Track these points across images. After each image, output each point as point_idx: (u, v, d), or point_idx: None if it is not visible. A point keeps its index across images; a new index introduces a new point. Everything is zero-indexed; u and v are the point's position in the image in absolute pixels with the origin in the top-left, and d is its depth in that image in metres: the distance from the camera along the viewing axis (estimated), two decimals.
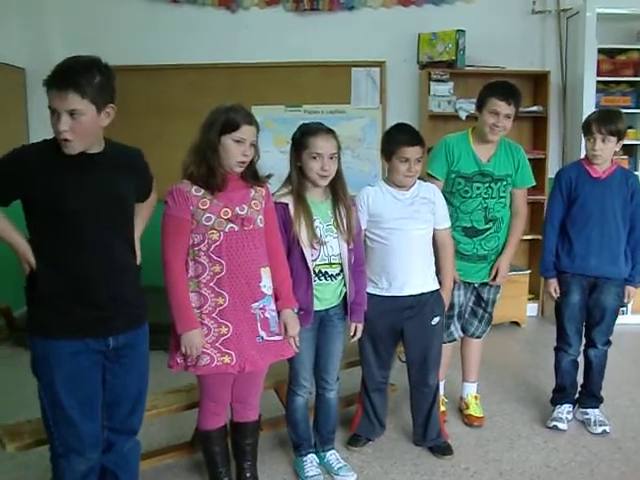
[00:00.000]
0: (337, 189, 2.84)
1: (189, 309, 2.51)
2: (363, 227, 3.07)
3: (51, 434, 2.27)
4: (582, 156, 3.53)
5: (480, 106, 3.30)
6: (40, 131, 5.30)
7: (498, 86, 3.31)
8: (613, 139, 3.27)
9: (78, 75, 2.04)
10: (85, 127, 2.08)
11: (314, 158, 2.73)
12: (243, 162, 2.50)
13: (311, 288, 2.78)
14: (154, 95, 5.50)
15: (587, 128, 3.32)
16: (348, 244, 2.85)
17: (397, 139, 3.03)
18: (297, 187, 2.78)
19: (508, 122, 3.27)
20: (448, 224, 3.22)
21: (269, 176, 2.67)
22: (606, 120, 3.28)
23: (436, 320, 3.15)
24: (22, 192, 2.12)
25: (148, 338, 2.42)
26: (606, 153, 3.30)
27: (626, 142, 5.19)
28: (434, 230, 3.15)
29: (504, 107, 3.22)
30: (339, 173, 2.82)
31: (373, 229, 3.08)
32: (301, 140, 2.77)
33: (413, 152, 2.98)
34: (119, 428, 2.39)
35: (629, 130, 5.27)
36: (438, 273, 3.20)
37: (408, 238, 3.05)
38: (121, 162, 2.28)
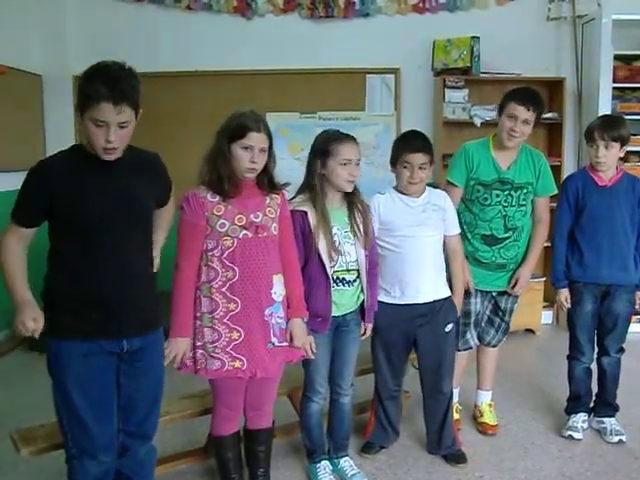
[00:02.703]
0: (351, 194, 2.86)
1: (186, 316, 2.54)
2: (375, 235, 3.07)
3: (65, 436, 2.28)
4: None
5: (500, 110, 3.29)
6: (57, 138, 5.37)
7: (519, 91, 3.29)
8: (616, 145, 3.25)
9: (129, 87, 2.07)
10: (128, 135, 2.14)
11: (343, 165, 2.76)
12: (252, 169, 2.51)
13: (329, 295, 2.79)
14: (169, 102, 5.53)
15: (590, 135, 3.30)
16: (365, 249, 2.85)
17: (401, 145, 3.06)
18: (318, 195, 2.79)
19: (526, 128, 3.23)
20: (458, 231, 3.21)
21: (286, 184, 2.68)
22: (608, 126, 3.26)
23: (449, 327, 3.14)
24: (47, 206, 2.13)
25: (163, 342, 2.44)
26: (610, 160, 3.28)
27: None
28: (444, 237, 3.14)
29: (522, 112, 3.19)
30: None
31: (385, 237, 3.07)
32: (327, 147, 2.78)
33: (415, 158, 2.98)
34: (134, 432, 2.39)
35: None
36: (449, 279, 3.19)
37: (420, 245, 3.04)
38: (139, 166, 2.30)
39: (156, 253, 2.46)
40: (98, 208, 2.15)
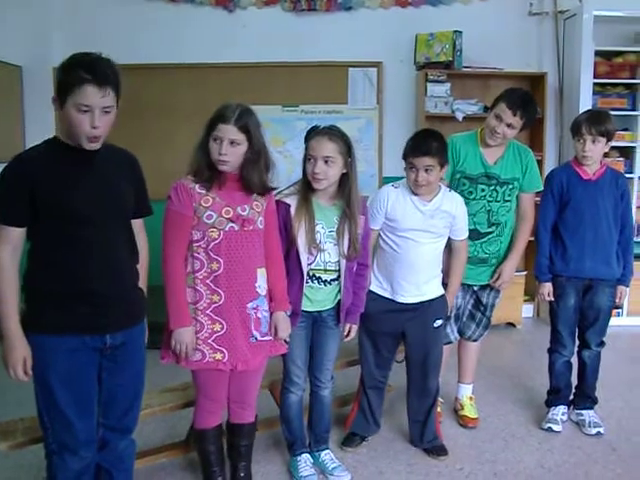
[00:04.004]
0: (345, 198, 2.79)
1: (184, 306, 2.52)
2: (377, 227, 3.06)
3: (45, 431, 2.26)
4: None
5: (491, 106, 3.29)
6: (36, 130, 5.31)
7: (513, 93, 3.25)
8: (603, 140, 3.27)
9: (113, 72, 2.08)
10: (111, 123, 2.13)
11: (309, 160, 2.74)
12: (221, 161, 2.47)
13: (302, 290, 2.78)
14: (150, 94, 5.49)
15: (577, 129, 3.31)
16: (345, 259, 2.81)
17: (408, 146, 3.01)
18: (303, 189, 2.78)
19: (509, 131, 3.22)
20: (465, 235, 3.19)
21: (272, 189, 2.66)
22: (596, 121, 3.27)
23: (438, 322, 3.14)
24: (31, 201, 2.09)
25: (145, 337, 2.43)
26: (596, 154, 3.30)
27: (622, 144, 5.26)
28: (451, 239, 3.13)
29: (508, 115, 3.17)
30: (349, 180, 2.77)
31: (388, 232, 3.06)
32: (305, 142, 2.78)
33: (418, 162, 2.92)
34: (114, 426, 2.38)
35: (625, 132, 5.31)
36: (446, 276, 3.19)
37: (420, 250, 3.03)
38: (118, 161, 2.30)
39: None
40: (81, 200, 2.13)
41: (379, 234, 3.09)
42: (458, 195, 3.17)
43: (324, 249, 2.78)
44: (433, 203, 3.03)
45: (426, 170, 2.92)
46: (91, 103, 2.04)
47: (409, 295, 3.08)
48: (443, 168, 2.99)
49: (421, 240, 3.02)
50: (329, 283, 2.84)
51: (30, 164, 2.11)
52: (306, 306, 2.82)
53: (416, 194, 3.02)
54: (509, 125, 3.20)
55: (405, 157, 3.00)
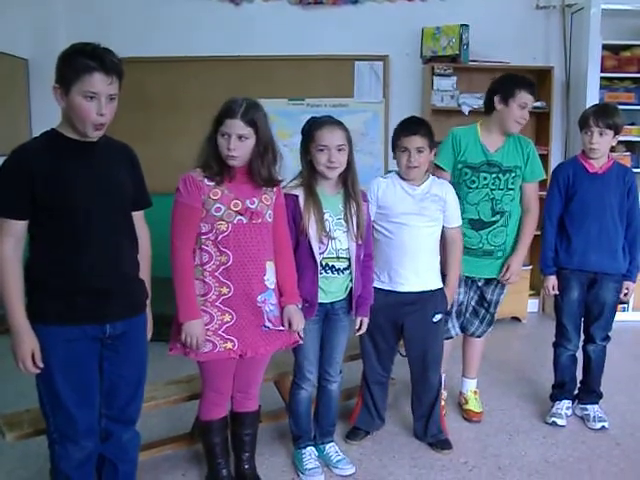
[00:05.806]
0: (348, 184, 2.83)
1: (193, 298, 2.52)
2: (372, 219, 3.07)
3: (47, 420, 2.28)
4: None
5: (506, 98, 3.27)
6: (42, 123, 5.31)
7: (524, 80, 3.33)
8: (610, 132, 3.28)
9: (118, 61, 2.11)
10: (114, 111, 2.14)
11: (321, 150, 2.74)
12: (230, 156, 2.48)
13: (317, 281, 2.78)
14: (158, 87, 5.50)
15: (584, 122, 3.32)
16: (356, 241, 2.83)
17: (398, 130, 3.07)
18: (308, 180, 2.79)
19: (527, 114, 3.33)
20: (459, 223, 3.20)
21: (279, 181, 2.67)
22: (603, 113, 3.29)
23: (437, 317, 3.13)
24: (31, 191, 2.09)
25: (146, 327, 2.44)
26: (603, 147, 3.30)
27: (629, 139, 5.24)
28: (444, 228, 3.14)
29: (531, 100, 3.29)
30: (350, 167, 2.81)
31: (381, 222, 3.07)
32: (308, 133, 2.79)
33: (410, 142, 2.98)
34: (117, 417, 2.39)
35: (632, 127, 5.30)
36: (443, 269, 3.19)
37: (414, 234, 3.03)
38: (117, 152, 2.31)
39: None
40: (81, 192, 2.14)
41: (373, 226, 3.09)
42: (447, 183, 3.21)
43: (334, 237, 2.80)
44: (422, 188, 3.08)
45: (418, 151, 2.98)
46: (98, 90, 2.06)
47: (408, 283, 3.07)
48: (432, 152, 3.06)
49: (415, 224, 3.03)
50: (342, 272, 2.85)
51: (30, 157, 2.11)
52: (320, 298, 2.82)
53: (405, 179, 3.06)
54: (528, 108, 3.32)
55: (395, 142, 3.06)
